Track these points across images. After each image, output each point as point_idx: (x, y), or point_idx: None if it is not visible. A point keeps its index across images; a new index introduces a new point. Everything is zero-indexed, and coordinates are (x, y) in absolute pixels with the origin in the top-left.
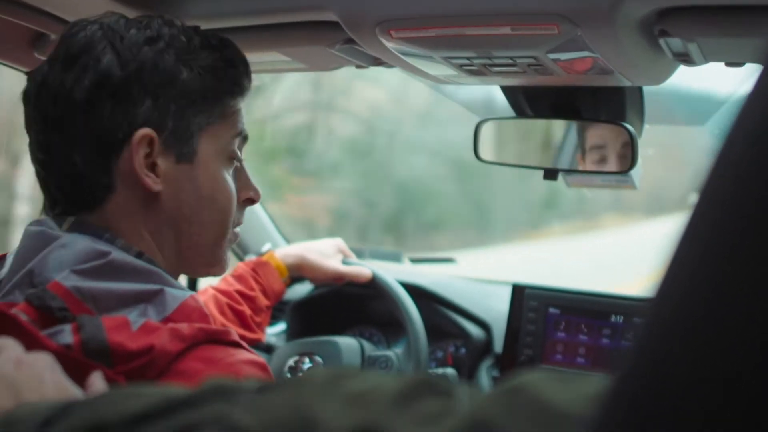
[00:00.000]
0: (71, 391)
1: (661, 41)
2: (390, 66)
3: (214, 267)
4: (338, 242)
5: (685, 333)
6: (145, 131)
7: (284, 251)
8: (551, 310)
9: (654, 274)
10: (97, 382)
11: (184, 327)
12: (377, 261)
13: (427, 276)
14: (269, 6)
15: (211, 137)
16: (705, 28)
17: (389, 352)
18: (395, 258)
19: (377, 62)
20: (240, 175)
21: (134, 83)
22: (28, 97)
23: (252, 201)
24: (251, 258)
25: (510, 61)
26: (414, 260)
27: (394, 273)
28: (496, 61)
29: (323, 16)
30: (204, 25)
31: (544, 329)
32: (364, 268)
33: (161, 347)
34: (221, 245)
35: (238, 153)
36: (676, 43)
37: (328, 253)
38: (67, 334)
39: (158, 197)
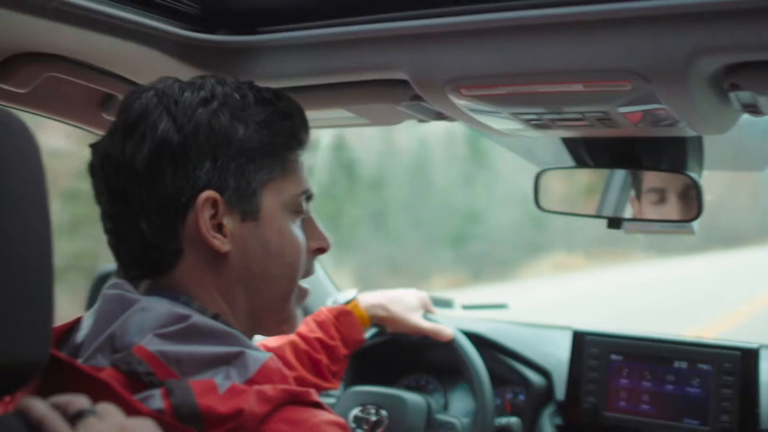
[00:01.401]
0: None
1: (731, 94)
2: (453, 120)
3: (286, 324)
4: (422, 295)
5: None
6: (208, 193)
7: (369, 301)
8: (613, 356)
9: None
10: None
11: (269, 389)
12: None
13: (484, 322)
14: (340, 66)
15: (274, 193)
16: None
17: (455, 420)
18: (447, 305)
19: (440, 117)
20: (308, 225)
21: (192, 146)
22: (93, 168)
23: (322, 250)
24: (334, 305)
25: (579, 116)
26: (466, 306)
27: (447, 320)
28: (565, 116)
29: (393, 75)
30: (274, 85)
31: (607, 376)
32: (445, 327)
33: (250, 410)
34: (290, 301)
35: (303, 205)
36: (745, 95)
37: (412, 306)
38: (157, 399)
39: (227, 257)
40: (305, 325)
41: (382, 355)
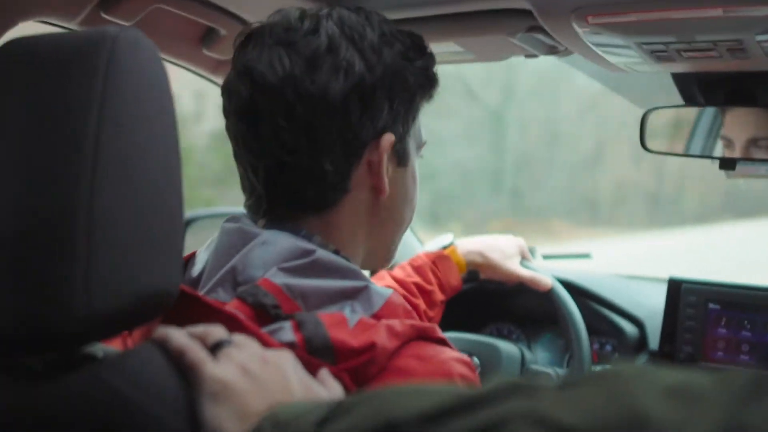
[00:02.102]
0: (316, 389)
1: None
2: (566, 54)
3: (389, 261)
4: (520, 242)
5: None
6: (390, 136)
7: (467, 247)
8: (711, 305)
9: None
10: (328, 379)
11: (397, 324)
12: None
13: (573, 272)
14: None
15: (412, 138)
16: None
17: (549, 370)
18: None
19: (552, 51)
20: None
21: (380, 87)
22: (262, 88)
23: None
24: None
25: (711, 45)
26: (547, 256)
27: (546, 272)
28: (695, 46)
29: (513, 4)
30: (391, 16)
31: (704, 325)
32: (544, 276)
33: (382, 345)
34: (401, 240)
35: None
36: None
37: (510, 253)
38: (288, 332)
39: (380, 200)
40: (402, 270)
41: (466, 302)
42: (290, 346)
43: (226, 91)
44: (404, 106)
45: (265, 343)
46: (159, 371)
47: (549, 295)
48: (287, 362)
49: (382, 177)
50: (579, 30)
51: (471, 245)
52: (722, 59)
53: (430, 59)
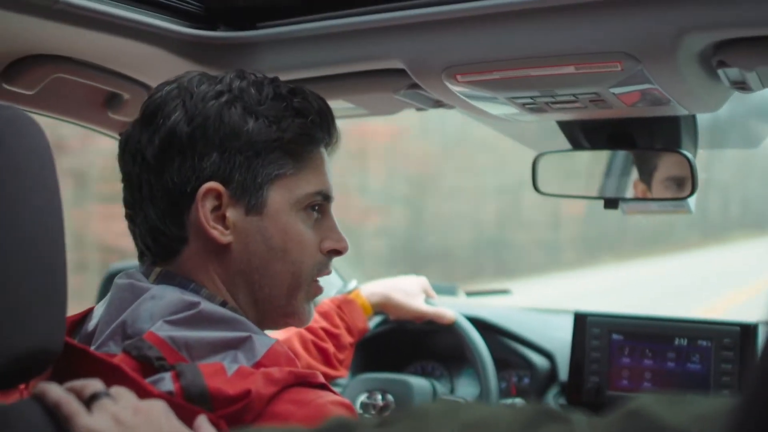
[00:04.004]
0: None
1: (720, 71)
2: (450, 107)
3: (292, 318)
4: (422, 281)
5: None
6: (210, 185)
7: (370, 289)
8: (614, 336)
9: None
10: (204, 425)
11: (275, 371)
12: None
13: (487, 308)
14: (338, 57)
15: (283, 189)
16: (764, 57)
17: (460, 400)
18: (450, 292)
19: (438, 104)
20: (324, 224)
21: (200, 138)
22: (118, 156)
23: (337, 252)
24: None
25: (572, 98)
26: (469, 293)
27: (450, 306)
28: (559, 99)
29: (390, 64)
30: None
31: (609, 356)
32: (447, 310)
33: (257, 391)
34: (296, 297)
35: (318, 205)
36: (733, 72)
37: (413, 293)
38: (168, 382)
39: (229, 249)
40: None
41: (389, 343)
42: (169, 394)
43: None
44: (244, 155)
45: (147, 393)
46: (37, 425)
47: (454, 329)
48: (159, 411)
49: (204, 224)
50: (451, 87)
51: (375, 288)
52: (588, 109)
53: (295, 111)
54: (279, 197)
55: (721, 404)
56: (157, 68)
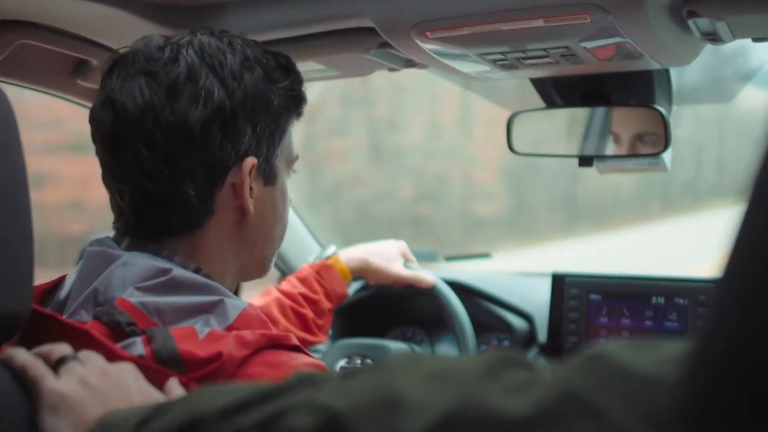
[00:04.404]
0: (155, 396)
1: (690, 22)
2: (423, 67)
3: (264, 273)
4: (401, 245)
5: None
6: (252, 160)
7: (349, 255)
8: (592, 296)
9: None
10: (175, 387)
11: (247, 334)
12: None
13: (466, 272)
14: (307, 17)
15: (282, 156)
16: (733, 6)
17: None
18: (431, 257)
19: (410, 64)
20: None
21: (240, 113)
22: (123, 121)
23: None
24: (315, 261)
25: (543, 53)
26: (449, 258)
27: (431, 271)
28: (530, 54)
29: (359, 23)
30: None
31: (587, 316)
32: (426, 274)
33: (229, 354)
34: (276, 254)
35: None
36: (704, 23)
37: (392, 257)
38: (139, 346)
39: (246, 219)
40: (287, 282)
41: (369, 309)
42: (140, 358)
43: (92, 120)
44: (269, 128)
45: (117, 357)
46: (3, 389)
47: (433, 293)
48: (128, 373)
49: (246, 198)
50: (422, 45)
51: (353, 253)
52: (559, 65)
53: (295, 79)
54: (282, 165)
55: (687, 348)
56: (127, 33)
